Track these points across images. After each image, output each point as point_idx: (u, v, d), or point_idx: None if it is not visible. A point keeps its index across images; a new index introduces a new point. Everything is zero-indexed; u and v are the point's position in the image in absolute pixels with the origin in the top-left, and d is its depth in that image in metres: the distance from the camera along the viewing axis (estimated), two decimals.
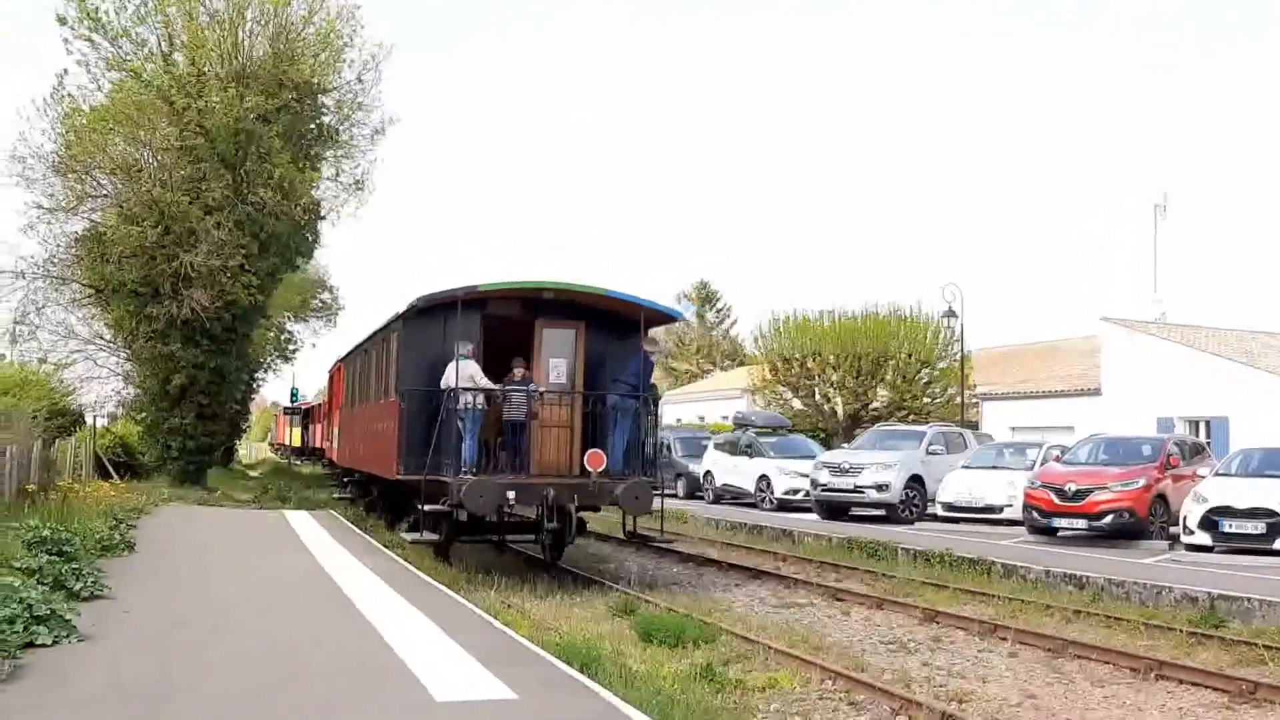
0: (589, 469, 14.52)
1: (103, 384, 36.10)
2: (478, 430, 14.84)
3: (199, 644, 8.82)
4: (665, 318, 16.79)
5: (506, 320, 15.76)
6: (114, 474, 27.30)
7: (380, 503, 20.81)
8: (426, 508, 14.56)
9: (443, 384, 14.81)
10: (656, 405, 16.45)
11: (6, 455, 17.50)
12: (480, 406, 14.81)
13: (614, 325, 15.89)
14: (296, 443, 57.51)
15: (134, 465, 30.11)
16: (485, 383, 14.94)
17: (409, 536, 15.67)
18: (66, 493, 18.98)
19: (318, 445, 45.57)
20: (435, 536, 15.35)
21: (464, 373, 14.69)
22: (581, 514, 15.78)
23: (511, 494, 14.02)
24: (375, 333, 19.43)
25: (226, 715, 6.57)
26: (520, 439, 15.13)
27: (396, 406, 15.73)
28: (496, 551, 18.21)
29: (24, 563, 10.94)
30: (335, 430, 28.84)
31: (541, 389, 15.27)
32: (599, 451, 14.67)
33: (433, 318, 15.48)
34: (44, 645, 8.31)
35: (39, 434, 20.94)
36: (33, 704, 6.68)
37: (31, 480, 18.50)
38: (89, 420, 31.43)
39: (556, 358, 15.80)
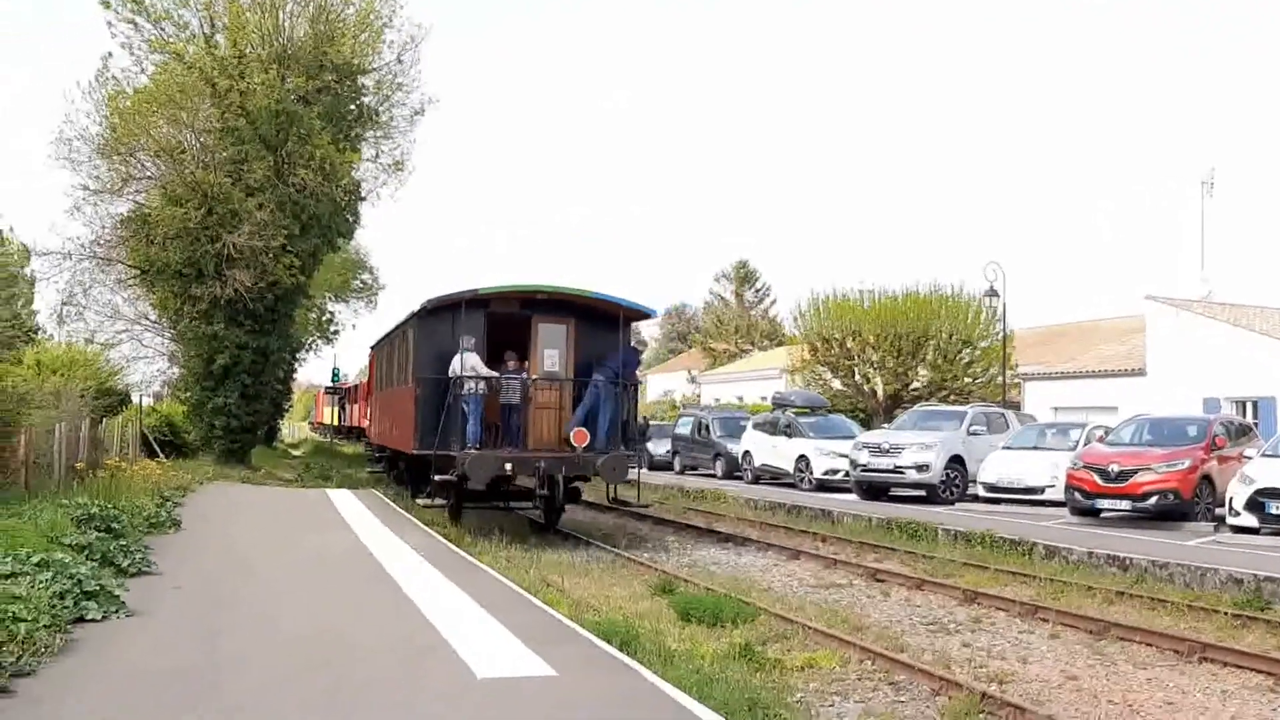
0: (575, 444, 16.54)
1: (148, 363, 36.72)
2: (480, 412, 16.84)
3: (245, 620, 8.95)
4: (641, 315, 18.76)
5: (507, 317, 17.86)
6: (160, 452, 27.70)
7: (404, 475, 22.53)
8: (437, 478, 16.87)
9: (450, 373, 16.89)
10: (636, 391, 18.77)
11: (56, 434, 17.81)
12: (481, 392, 16.89)
13: (599, 321, 17.96)
14: (334, 422, 59.02)
15: (179, 444, 30.52)
16: (485, 372, 17.02)
17: (422, 502, 18.41)
18: (114, 471, 19.28)
19: (352, 424, 46.74)
20: (444, 502, 17.90)
21: (467, 363, 16.82)
22: (576, 484, 17.56)
23: (509, 466, 16.12)
24: (397, 326, 21.82)
25: (274, 690, 6.67)
26: (514, 419, 17.32)
27: (413, 392, 17.84)
28: (527, 525, 18.89)
29: (73, 539, 11.16)
30: (370, 411, 30.92)
31: (533, 377, 17.57)
32: (583, 429, 16.70)
33: (442, 316, 17.64)
34: (94, 620, 8.48)
35: (87, 413, 21.26)
36: (85, 677, 6.82)
37: (80, 458, 18.82)
38: (135, 399, 31.90)
39: (550, 349, 17.97)
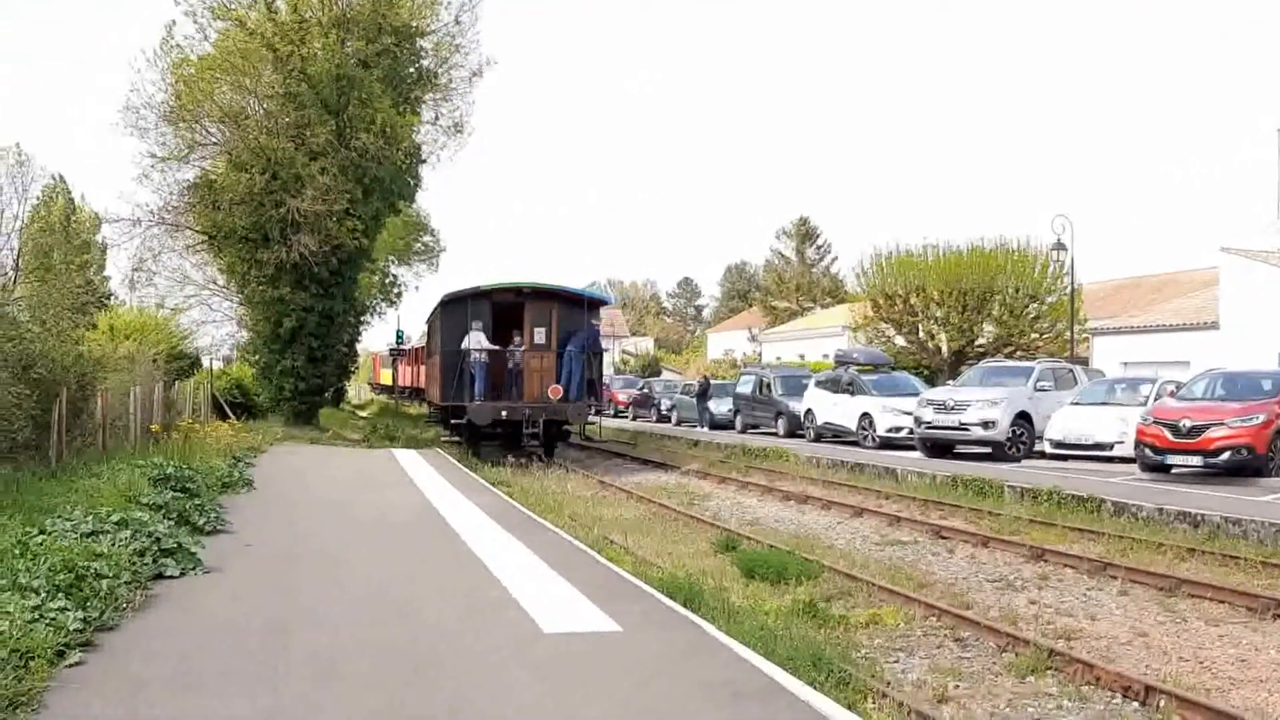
0: (551, 397, 23.07)
1: (217, 327, 37.44)
2: (484, 374, 23.18)
3: (318, 575, 9.15)
4: (601, 302, 26.77)
5: (506, 305, 24.26)
6: (231, 414, 28.28)
7: (439, 420, 29.92)
8: (453, 421, 25.21)
9: (463, 346, 23.31)
10: (600, 358, 25.62)
11: (131, 397, 18.25)
12: (484, 360, 23.20)
13: (573, 306, 24.37)
14: (388, 382, 63.18)
15: (249, 406, 31.13)
16: (487, 346, 23.35)
17: (444, 436, 27.19)
18: (187, 432, 19.74)
19: (403, 384, 48.70)
20: (457, 438, 25.81)
21: (475, 340, 23.20)
22: (566, 427, 24.73)
23: (503, 413, 22.80)
24: (431, 311, 28.29)
25: (350, 642, 6.81)
26: (512, 378, 23.68)
27: (440, 360, 24.76)
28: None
29: (150, 498, 11.45)
30: (423, 372, 37.47)
31: (524, 349, 23.74)
32: (558, 385, 23.19)
33: (459, 304, 24.08)
34: (172, 576, 8.71)
35: (159, 376, 21.74)
36: (167, 631, 7.02)
37: (154, 420, 19.28)
38: (206, 363, 32.56)
39: (538, 327, 24.07)
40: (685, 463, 24.39)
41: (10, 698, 5.25)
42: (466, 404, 22.92)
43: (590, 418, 24.27)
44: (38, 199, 52.99)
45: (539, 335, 23.96)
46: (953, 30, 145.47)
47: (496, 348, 23.40)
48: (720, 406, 33.79)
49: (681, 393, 39.49)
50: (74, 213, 52.88)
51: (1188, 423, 17.12)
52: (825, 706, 5.72)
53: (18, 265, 32.50)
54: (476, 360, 23.02)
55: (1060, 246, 30.66)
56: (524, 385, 23.54)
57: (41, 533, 8.79)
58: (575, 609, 7.87)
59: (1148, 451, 17.61)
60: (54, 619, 6.53)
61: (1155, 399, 19.84)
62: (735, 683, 6.07)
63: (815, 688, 6.28)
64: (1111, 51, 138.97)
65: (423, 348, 40.61)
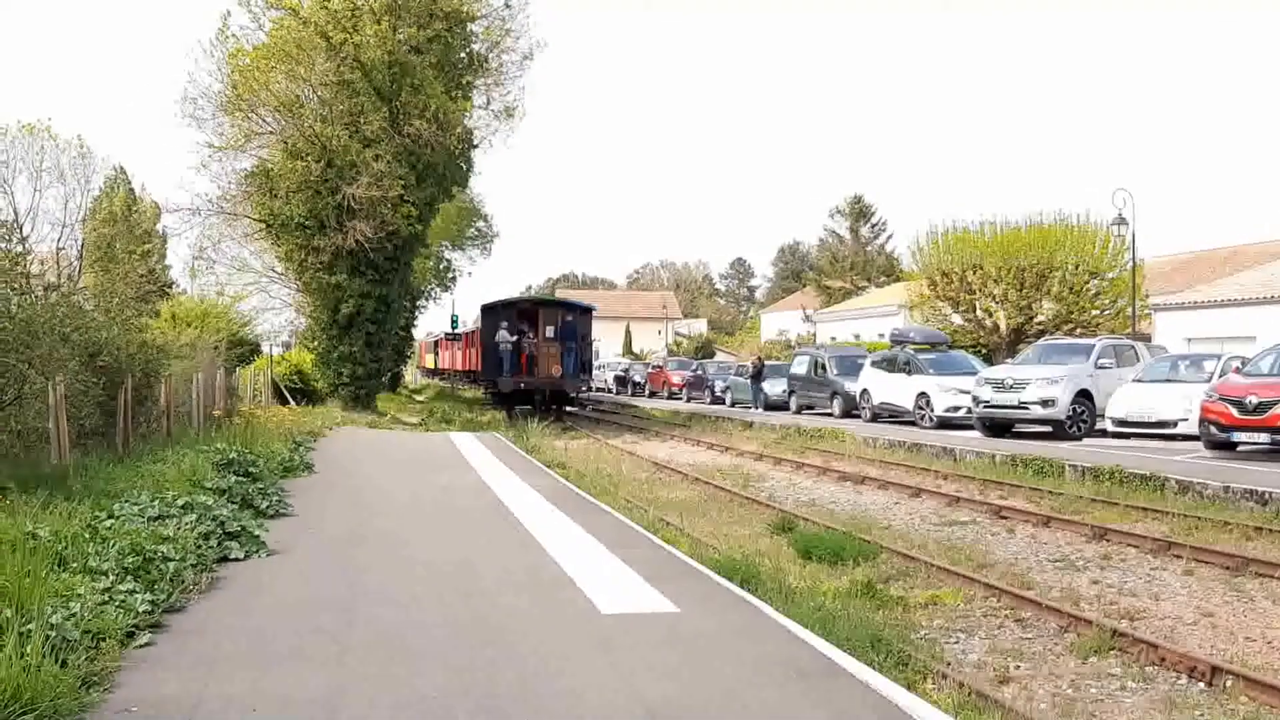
0: (553, 374, 33.30)
1: (276, 314, 38.01)
2: (510, 358, 33.24)
3: (380, 557, 9.26)
4: (590, 309, 37.44)
5: (526, 309, 35.70)
6: (290, 399, 28.68)
7: (486, 391, 40.36)
8: (489, 390, 36.98)
9: (495, 339, 33.56)
10: (590, 348, 37.17)
11: (194, 383, 18.56)
12: (509, 349, 33.18)
13: (572, 310, 36.21)
14: (432, 365, 70.54)
15: (308, 391, 31.56)
16: (510, 339, 33.23)
17: (486, 403, 38.41)
18: (249, 418, 20.05)
19: (458, 367, 53.64)
20: (490, 400, 37.28)
21: (503, 334, 33.33)
22: (573, 397, 35.29)
23: (522, 384, 33.12)
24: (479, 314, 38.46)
25: (414, 622, 6.88)
26: (532, 362, 33.82)
27: (480, 347, 36.58)
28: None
29: (214, 483, 11.66)
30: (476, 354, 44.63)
31: (536, 341, 33.95)
32: (559, 366, 33.50)
33: (493, 310, 35.43)
34: (236, 560, 8.86)
35: (221, 363, 22.09)
36: (235, 611, 7.15)
37: (217, 406, 19.60)
38: (265, 349, 33.03)
39: (549, 325, 34.52)
40: (740, 444, 24.35)
41: (83, 677, 5.37)
42: (497, 379, 33.71)
43: (581, 389, 36.40)
44: (99, 190, 53.91)
45: (549, 331, 34.33)
46: (1008, 2, 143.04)
47: (515, 339, 33.57)
48: (774, 387, 33.69)
49: (735, 374, 39.42)
50: (135, 203, 53.77)
51: (1254, 399, 16.75)
52: (885, 686, 5.69)
53: (81, 255, 33.08)
54: (504, 349, 33.33)
55: (1121, 221, 30.10)
56: (538, 366, 33.76)
57: (110, 517, 8.98)
58: (632, 590, 7.89)
59: (1212, 429, 17.27)
60: (123, 601, 6.66)
61: (1220, 375, 19.44)
62: (794, 663, 6.06)
63: (874, 668, 6.25)
64: (1172, 19, 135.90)
65: (476, 332, 42.40)
